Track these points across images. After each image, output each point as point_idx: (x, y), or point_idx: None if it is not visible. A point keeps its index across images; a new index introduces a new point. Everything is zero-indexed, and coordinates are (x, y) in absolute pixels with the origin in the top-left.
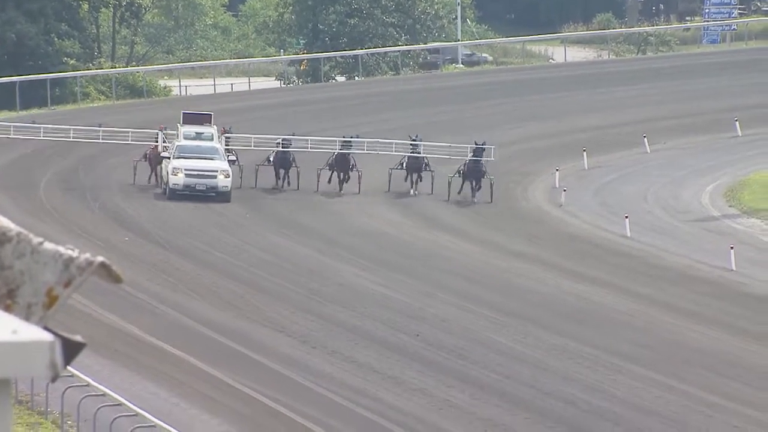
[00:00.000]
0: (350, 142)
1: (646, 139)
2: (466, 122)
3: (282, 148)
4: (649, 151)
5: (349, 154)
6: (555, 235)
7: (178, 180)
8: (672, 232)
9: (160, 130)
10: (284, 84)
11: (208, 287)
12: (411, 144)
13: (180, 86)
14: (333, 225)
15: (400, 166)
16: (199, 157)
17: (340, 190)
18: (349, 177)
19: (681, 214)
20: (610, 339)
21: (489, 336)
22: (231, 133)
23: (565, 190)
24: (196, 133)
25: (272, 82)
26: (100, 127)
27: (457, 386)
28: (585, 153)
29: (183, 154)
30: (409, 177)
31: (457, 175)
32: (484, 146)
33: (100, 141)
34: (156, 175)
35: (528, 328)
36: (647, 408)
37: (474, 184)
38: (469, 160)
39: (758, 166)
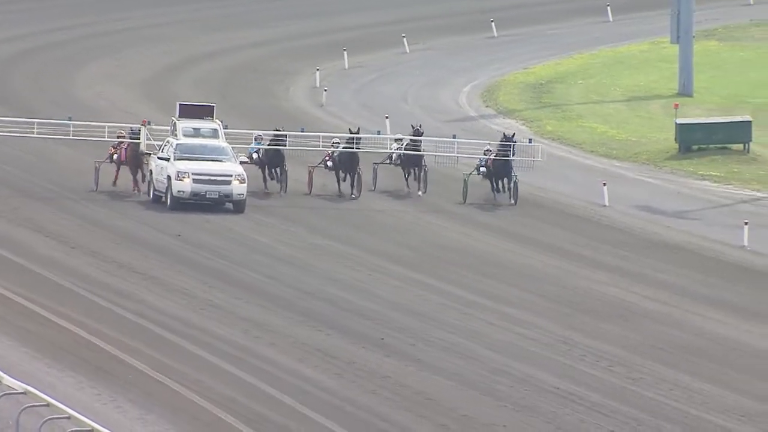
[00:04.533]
0: (359, 138)
1: (405, 39)
2: (238, 18)
3: (273, 144)
4: (408, 51)
5: (356, 152)
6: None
7: (185, 186)
8: (431, 133)
9: (143, 125)
10: None
11: None
12: (412, 134)
13: None
14: None
15: (389, 160)
16: (206, 158)
17: (340, 190)
18: (359, 176)
19: (440, 114)
20: (373, 240)
21: (251, 236)
22: (226, 129)
23: (326, 90)
24: (194, 129)
25: None
26: (70, 120)
27: (218, 287)
28: (345, 52)
29: (186, 154)
30: (407, 173)
31: (476, 172)
32: (514, 140)
33: (71, 138)
34: (135, 179)
35: (291, 229)
36: (407, 307)
37: (500, 184)
38: (495, 156)
39: (513, 67)
